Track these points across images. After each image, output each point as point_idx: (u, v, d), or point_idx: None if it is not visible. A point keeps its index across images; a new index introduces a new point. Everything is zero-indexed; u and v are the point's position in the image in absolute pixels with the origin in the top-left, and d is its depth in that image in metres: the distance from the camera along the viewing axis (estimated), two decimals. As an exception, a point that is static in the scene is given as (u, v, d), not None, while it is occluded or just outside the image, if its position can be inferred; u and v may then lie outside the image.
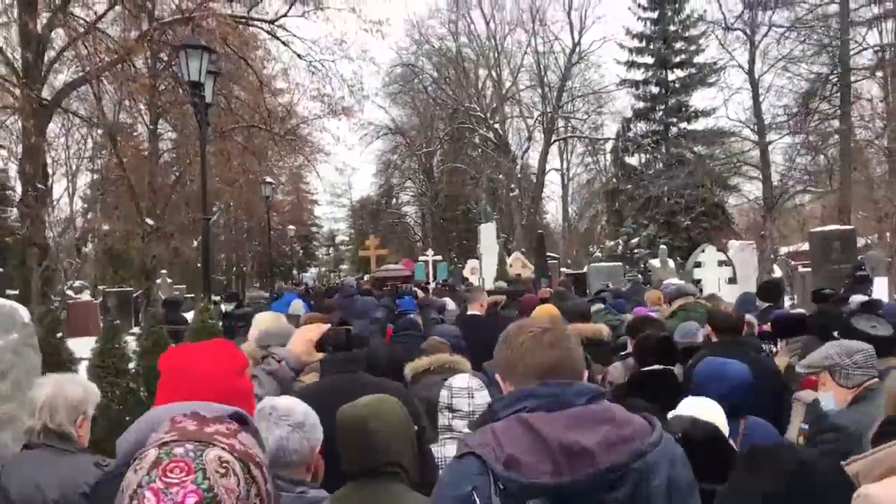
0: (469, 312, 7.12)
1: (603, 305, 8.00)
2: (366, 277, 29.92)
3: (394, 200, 55.93)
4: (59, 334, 6.86)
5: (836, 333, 4.03)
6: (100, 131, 27.26)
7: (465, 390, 3.35)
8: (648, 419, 1.67)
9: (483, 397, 3.31)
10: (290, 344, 2.71)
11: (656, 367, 3.72)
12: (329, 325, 2.90)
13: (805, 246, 29.38)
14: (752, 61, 24.43)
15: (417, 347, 4.63)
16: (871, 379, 3.07)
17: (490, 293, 9.59)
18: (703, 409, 2.71)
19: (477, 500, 1.52)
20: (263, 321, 4.51)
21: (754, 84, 24.37)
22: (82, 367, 7.02)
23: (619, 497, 1.52)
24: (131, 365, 7.37)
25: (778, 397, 4.03)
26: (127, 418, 5.47)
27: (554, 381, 1.67)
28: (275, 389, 2.49)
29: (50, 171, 31.32)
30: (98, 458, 2.81)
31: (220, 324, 7.50)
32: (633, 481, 1.53)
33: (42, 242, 15.14)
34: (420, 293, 11.67)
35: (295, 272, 56.77)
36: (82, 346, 7.37)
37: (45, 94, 14.97)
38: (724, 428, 2.70)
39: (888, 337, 3.57)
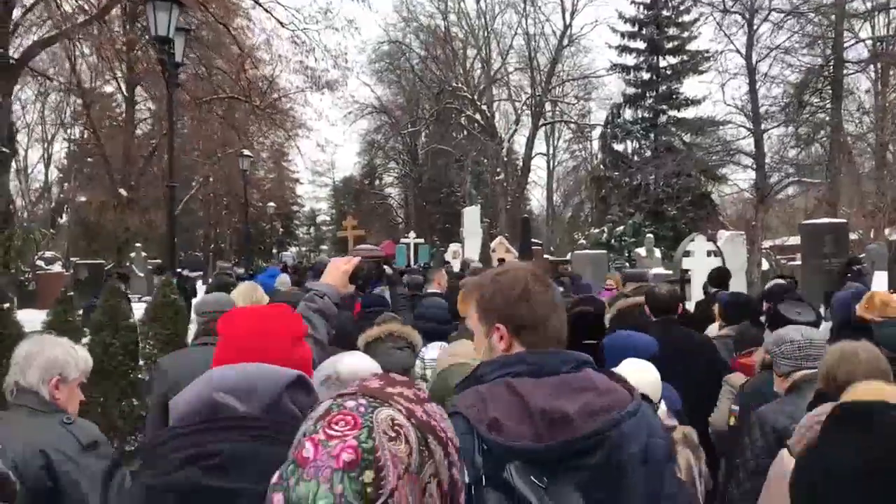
0: (428, 290, 7.26)
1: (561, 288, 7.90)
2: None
3: (377, 181, 55.27)
4: (7, 305, 6.27)
5: (762, 319, 4.38)
6: (76, 100, 26.39)
7: (437, 361, 3.33)
8: (629, 389, 1.69)
9: None
10: (326, 276, 2.66)
11: (589, 341, 3.82)
12: (360, 258, 2.84)
13: (790, 240, 29.45)
14: (749, 45, 23.96)
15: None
16: (803, 371, 3.04)
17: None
18: (637, 370, 2.86)
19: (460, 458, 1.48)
20: (241, 291, 4.71)
21: (751, 70, 23.93)
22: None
23: (592, 463, 1.54)
24: (85, 340, 6.81)
25: (711, 366, 4.35)
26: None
27: (542, 349, 1.71)
28: (324, 326, 2.48)
29: (25, 138, 30.40)
30: (63, 415, 2.72)
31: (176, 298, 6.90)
32: (608, 448, 1.55)
33: (4, 209, 14.40)
34: (388, 270, 11.62)
35: (275, 251, 55.98)
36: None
37: (14, 55, 14.22)
38: (657, 387, 2.91)
39: (811, 322, 3.69)
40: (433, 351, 3.46)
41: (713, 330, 5.47)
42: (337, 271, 2.69)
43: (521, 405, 1.57)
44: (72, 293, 7.14)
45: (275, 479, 1.04)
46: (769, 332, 3.82)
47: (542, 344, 1.73)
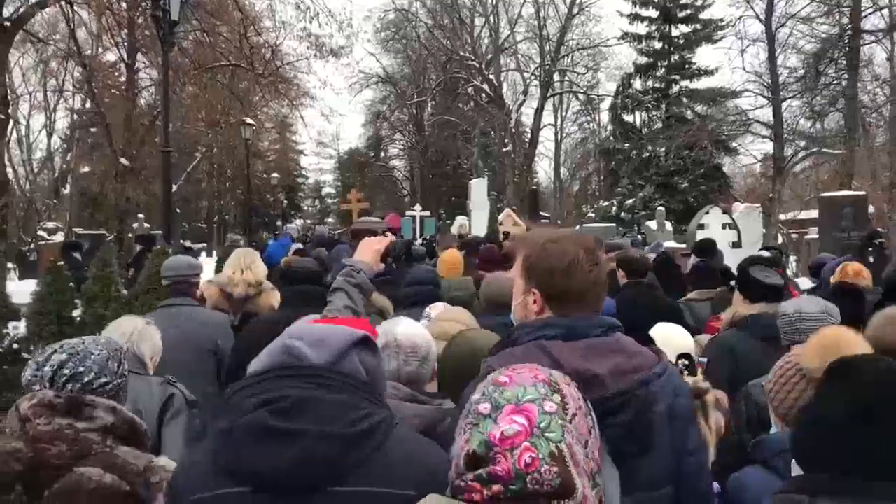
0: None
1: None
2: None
3: (382, 153, 54.65)
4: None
5: (733, 283, 4.44)
6: (76, 68, 25.87)
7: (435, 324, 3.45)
8: (656, 351, 1.84)
9: None
10: (358, 254, 2.75)
11: None
12: (391, 238, 3.00)
13: (802, 214, 28.96)
14: (769, 11, 23.20)
15: (393, 290, 4.91)
16: (796, 345, 2.88)
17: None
18: (672, 333, 3.08)
19: None
20: (232, 257, 4.91)
21: (770, 37, 23.19)
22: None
23: (621, 421, 1.60)
24: (76, 312, 6.47)
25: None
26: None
27: (576, 313, 1.78)
28: (362, 300, 2.54)
29: (27, 106, 29.92)
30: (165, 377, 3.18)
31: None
32: (635, 407, 1.63)
33: (2, 178, 14.03)
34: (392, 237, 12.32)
35: (279, 223, 55.62)
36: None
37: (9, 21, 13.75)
38: (692, 348, 3.07)
39: (781, 286, 3.83)
40: (437, 309, 3.60)
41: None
42: (370, 250, 2.75)
43: (555, 366, 1.59)
44: (61, 262, 6.80)
45: (475, 395, 1.25)
46: (738, 295, 3.96)
47: (583, 311, 1.79)
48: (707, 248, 7.34)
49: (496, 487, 1.13)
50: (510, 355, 1.71)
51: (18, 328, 6.08)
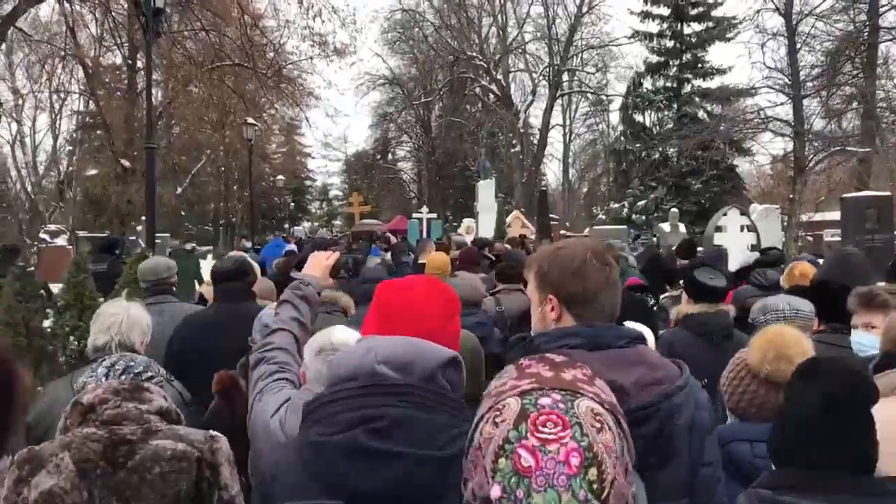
0: (419, 261, 7.99)
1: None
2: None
3: (389, 155, 54.27)
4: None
5: (681, 283, 4.59)
6: (74, 67, 25.53)
7: None
8: (679, 364, 1.82)
9: None
10: (308, 268, 2.75)
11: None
12: (339, 253, 2.98)
13: (817, 216, 28.31)
14: (789, 3, 22.54)
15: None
16: None
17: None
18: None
19: None
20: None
21: (791, 31, 22.55)
22: None
23: (645, 433, 1.58)
24: (47, 323, 5.95)
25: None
26: (38, 388, 4.15)
27: (599, 323, 1.79)
28: (309, 312, 2.53)
29: (31, 108, 29.56)
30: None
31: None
32: (659, 420, 1.64)
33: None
34: (393, 239, 13.75)
35: (287, 225, 55.33)
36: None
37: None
38: (651, 337, 3.20)
39: (723, 287, 3.98)
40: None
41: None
42: (319, 264, 2.75)
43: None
44: (32, 267, 6.31)
45: (495, 490, 1.05)
46: (686, 297, 4.12)
47: (591, 318, 1.80)
48: (689, 249, 7.73)
49: None
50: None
51: (-16, 339, 5.59)
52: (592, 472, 1.03)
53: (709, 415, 1.80)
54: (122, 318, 3.11)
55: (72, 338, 5.66)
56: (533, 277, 1.92)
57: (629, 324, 3.26)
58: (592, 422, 1.07)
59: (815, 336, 3.16)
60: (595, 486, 1.02)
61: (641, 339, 1.83)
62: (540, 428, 1.05)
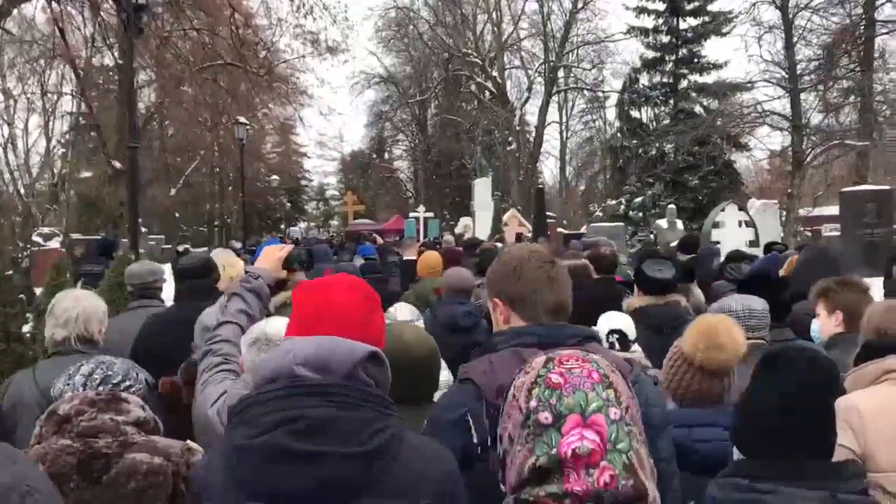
0: (405, 258, 8.27)
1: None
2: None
3: (386, 154, 54.10)
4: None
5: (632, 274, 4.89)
6: (64, 68, 25.32)
7: None
8: (629, 360, 2.09)
9: None
10: (260, 262, 2.75)
11: None
12: (292, 246, 3.03)
13: (816, 211, 28.18)
14: (786, -3, 22.47)
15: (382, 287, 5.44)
16: (755, 340, 3.10)
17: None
18: (617, 314, 3.58)
19: (471, 421, 1.77)
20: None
21: (787, 23, 22.43)
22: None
23: None
24: (26, 328, 5.78)
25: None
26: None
27: (550, 322, 1.88)
28: (258, 304, 2.53)
29: (23, 108, 29.40)
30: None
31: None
32: None
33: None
34: (380, 240, 14.04)
35: (283, 226, 55.13)
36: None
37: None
38: (632, 328, 3.47)
39: (670, 279, 4.16)
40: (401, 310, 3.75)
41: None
42: (271, 257, 2.78)
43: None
44: (11, 271, 6.13)
45: (532, 403, 1.23)
46: (636, 290, 4.29)
47: (536, 316, 1.89)
48: (691, 245, 7.92)
49: (570, 502, 1.14)
50: (487, 362, 1.84)
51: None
52: (610, 391, 1.23)
53: (660, 411, 1.91)
54: (77, 311, 3.15)
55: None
56: (486, 284, 2.06)
57: (609, 315, 3.52)
58: (606, 364, 1.29)
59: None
60: (613, 397, 1.22)
61: (594, 337, 1.91)
62: (564, 362, 1.25)
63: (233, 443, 1.52)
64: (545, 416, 1.19)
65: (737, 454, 1.86)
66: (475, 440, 1.75)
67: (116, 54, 23.27)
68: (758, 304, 3.34)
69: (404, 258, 8.41)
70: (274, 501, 1.44)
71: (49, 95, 35.05)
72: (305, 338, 1.65)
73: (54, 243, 24.65)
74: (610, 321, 3.46)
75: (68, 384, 2.14)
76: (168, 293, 4.93)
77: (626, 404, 1.22)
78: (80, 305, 3.17)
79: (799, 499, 1.63)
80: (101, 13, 18.90)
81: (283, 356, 1.59)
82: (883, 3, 23.74)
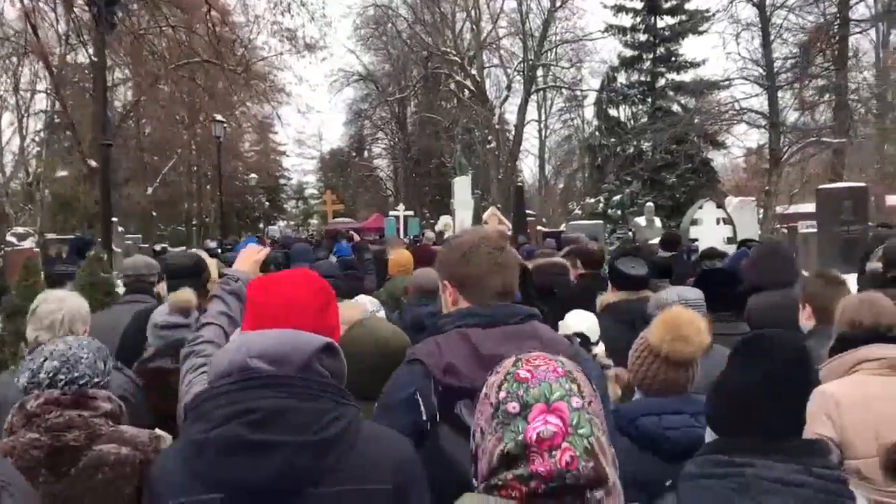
0: (388, 256, 8.30)
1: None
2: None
3: (365, 152, 53.87)
4: None
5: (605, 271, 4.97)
6: (36, 65, 24.94)
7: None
8: (570, 339, 2.10)
9: None
10: (238, 264, 2.79)
11: None
12: (269, 249, 3.16)
13: (792, 208, 28.46)
14: (763, -7, 22.64)
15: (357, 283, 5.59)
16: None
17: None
18: (579, 314, 3.66)
19: (420, 399, 1.84)
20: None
21: (765, 20, 22.61)
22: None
23: None
24: (-7, 326, 5.67)
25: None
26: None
27: (495, 302, 1.97)
28: (238, 306, 2.53)
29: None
30: None
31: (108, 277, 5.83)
32: None
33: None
34: (356, 237, 14.25)
35: (261, 225, 54.69)
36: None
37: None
38: (595, 329, 3.62)
39: (643, 276, 4.27)
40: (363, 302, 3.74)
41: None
42: (249, 260, 2.82)
43: (473, 351, 1.85)
44: None
45: (501, 395, 1.27)
46: (610, 286, 4.41)
47: (484, 299, 1.97)
48: (672, 241, 8.00)
49: (535, 484, 1.20)
50: (434, 343, 1.91)
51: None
52: (573, 384, 1.27)
53: (603, 389, 2.01)
54: (63, 313, 3.09)
55: (22, 344, 5.41)
56: (436, 267, 2.14)
57: (576, 313, 3.65)
58: (571, 364, 1.33)
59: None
60: (576, 389, 1.27)
61: (535, 315, 1.99)
62: (532, 361, 1.30)
63: (189, 438, 1.52)
64: (513, 406, 1.25)
65: (711, 436, 1.91)
66: (424, 417, 1.82)
67: (91, 51, 23.00)
68: (692, 293, 3.47)
69: (383, 257, 8.39)
70: (232, 493, 1.45)
71: (22, 93, 34.55)
72: (259, 331, 1.67)
73: (29, 243, 24.28)
74: (574, 324, 3.56)
75: (33, 381, 2.13)
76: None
77: (588, 399, 1.27)
78: (64, 307, 3.14)
79: (776, 471, 1.69)
80: (75, 9, 18.65)
81: (236, 350, 1.60)
82: (857, 3, 24.11)
